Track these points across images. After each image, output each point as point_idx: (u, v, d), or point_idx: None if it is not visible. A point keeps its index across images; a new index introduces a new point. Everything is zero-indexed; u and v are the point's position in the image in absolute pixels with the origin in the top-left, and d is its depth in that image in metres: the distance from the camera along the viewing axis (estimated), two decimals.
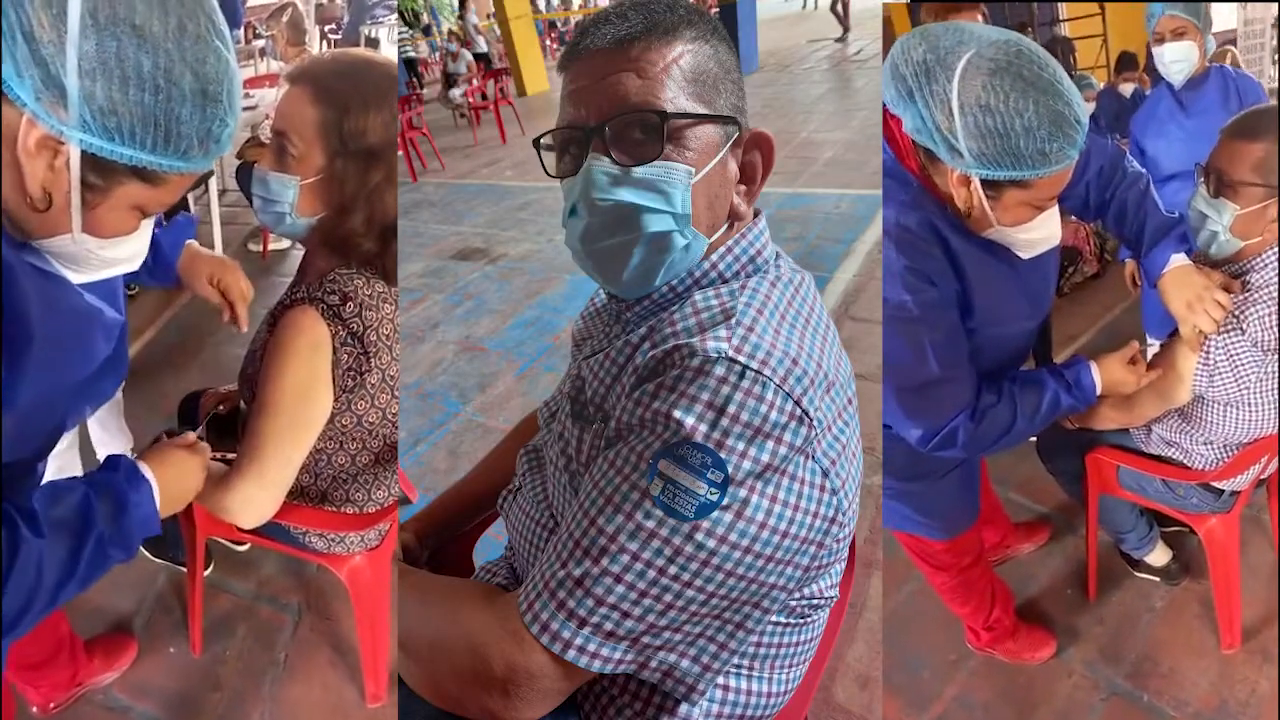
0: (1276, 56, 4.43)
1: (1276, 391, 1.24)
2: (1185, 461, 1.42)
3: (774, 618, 0.74)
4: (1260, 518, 1.84)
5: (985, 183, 0.98)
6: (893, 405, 1.13)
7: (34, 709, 1.58)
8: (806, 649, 0.80)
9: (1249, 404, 1.26)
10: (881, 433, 1.31)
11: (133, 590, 1.90)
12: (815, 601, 0.76)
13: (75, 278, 0.85)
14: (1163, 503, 1.52)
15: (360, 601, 1.46)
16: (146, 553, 1.94)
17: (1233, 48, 3.83)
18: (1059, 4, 4.26)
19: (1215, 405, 1.30)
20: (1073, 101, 0.93)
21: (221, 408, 1.53)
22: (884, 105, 1.06)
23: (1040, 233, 1.07)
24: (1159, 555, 1.74)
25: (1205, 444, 1.38)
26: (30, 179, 0.72)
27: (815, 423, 0.64)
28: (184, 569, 1.75)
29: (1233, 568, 1.51)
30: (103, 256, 0.82)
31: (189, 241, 1.31)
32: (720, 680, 0.74)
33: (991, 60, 0.92)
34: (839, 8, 11.29)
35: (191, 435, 1.05)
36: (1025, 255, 1.10)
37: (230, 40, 0.77)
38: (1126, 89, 3.35)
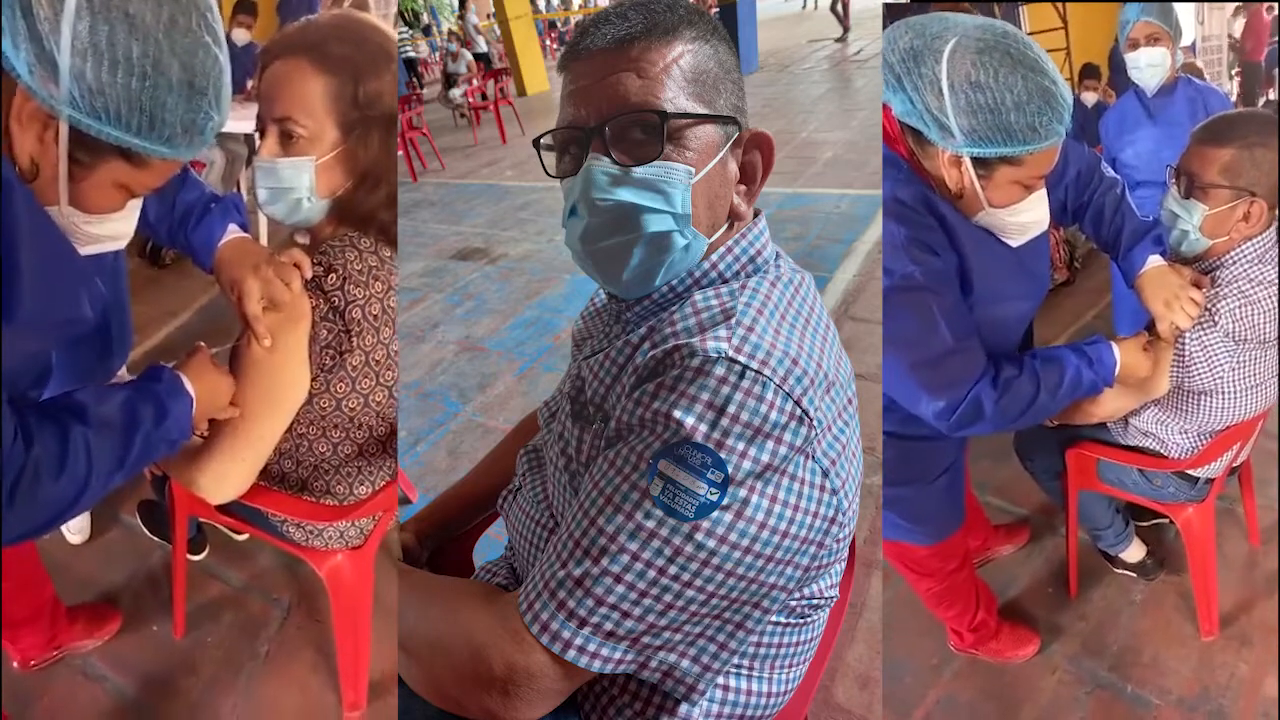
0: (1233, 72, 4.58)
1: (1247, 380, 1.31)
2: (1162, 451, 1.47)
3: (774, 618, 0.74)
4: (1234, 510, 1.88)
5: (976, 162, 1.00)
6: (908, 384, 1.11)
7: (14, 664, 1.61)
8: (806, 649, 0.80)
9: (1223, 392, 1.33)
10: (881, 433, 1.31)
11: (125, 564, 1.91)
12: (815, 601, 0.76)
13: None
14: (1141, 494, 1.56)
15: (340, 602, 1.41)
16: (145, 530, 1.95)
17: (1194, 59, 3.93)
18: (1021, 11, 4.35)
19: (1191, 395, 1.36)
20: (1057, 79, 0.96)
21: None
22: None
23: (1030, 215, 1.08)
24: (1134, 551, 1.78)
25: (1181, 433, 1.43)
26: (19, 149, 0.75)
27: (815, 423, 0.64)
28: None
29: (1209, 556, 1.56)
30: (89, 232, 0.85)
31: (239, 235, 1.15)
32: (720, 680, 0.74)
33: (979, 40, 0.95)
34: (839, 8, 11.30)
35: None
36: (1015, 241, 1.11)
37: (220, 37, 0.80)
38: (1089, 98, 3.36)
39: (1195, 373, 1.30)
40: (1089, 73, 3.41)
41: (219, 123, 0.82)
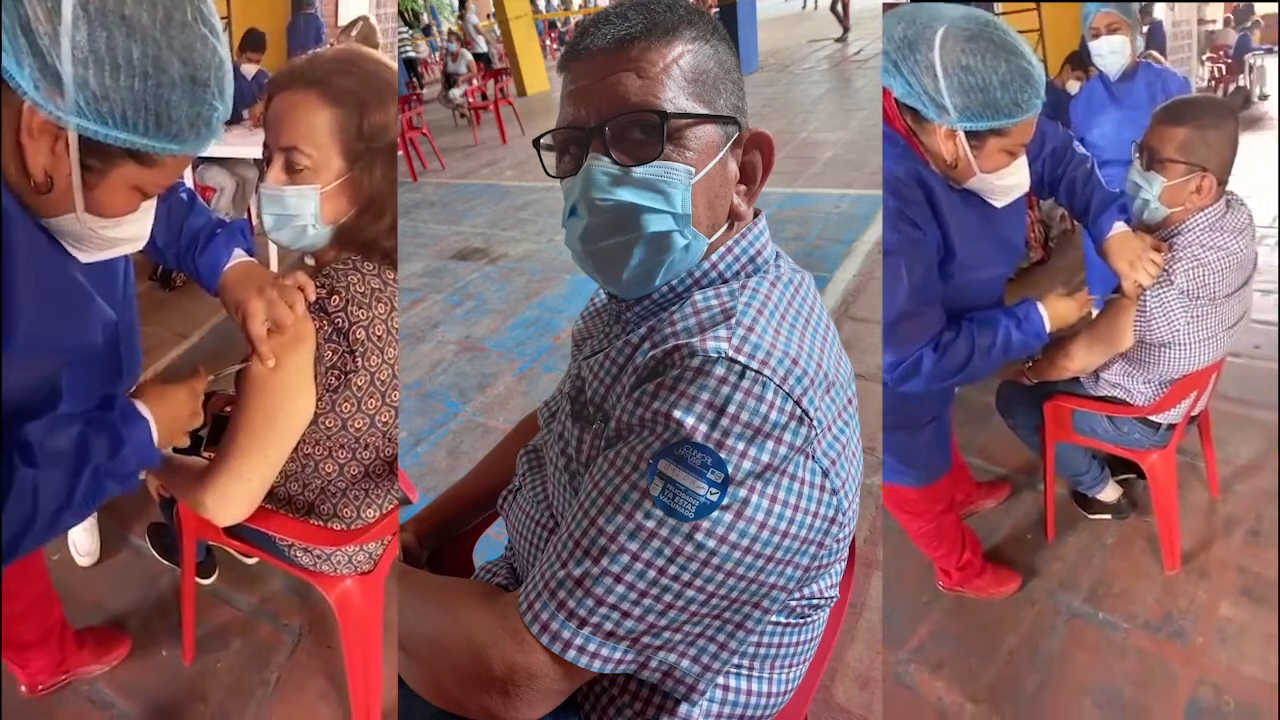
0: (1204, 57, 4.70)
1: (1200, 333, 1.48)
2: (1128, 400, 1.65)
3: (774, 618, 0.74)
4: (1195, 464, 2.05)
5: (969, 134, 1.15)
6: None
7: (21, 689, 1.60)
8: (806, 649, 0.80)
9: (1180, 344, 1.50)
10: (882, 422, 1.39)
11: (135, 589, 1.89)
12: (815, 601, 0.76)
13: (82, 256, 0.90)
14: (1110, 442, 1.73)
15: (349, 629, 1.39)
16: (155, 554, 1.94)
17: (1154, 53, 4.02)
18: (995, 3, 4.45)
19: (1152, 347, 1.53)
20: (1033, 60, 1.11)
21: (228, 409, 1.51)
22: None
23: (1014, 179, 1.23)
24: (1110, 493, 1.95)
25: (1145, 383, 1.61)
26: (33, 163, 0.76)
27: (815, 423, 0.64)
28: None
29: (1172, 497, 1.74)
30: (105, 236, 0.86)
31: (244, 260, 1.17)
32: (720, 680, 0.74)
33: (965, 29, 1.10)
34: (839, 8, 11.31)
35: (195, 369, 1.07)
36: (1000, 202, 1.26)
37: (217, 28, 0.80)
38: (1074, 86, 3.38)
39: (1155, 327, 1.47)
40: (1075, 62, 3.44)
41: (223, 113, 0.83)
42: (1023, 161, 1.22)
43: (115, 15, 0.72)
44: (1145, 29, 4.06)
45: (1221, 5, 4.93)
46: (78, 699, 1.62)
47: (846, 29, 11.16)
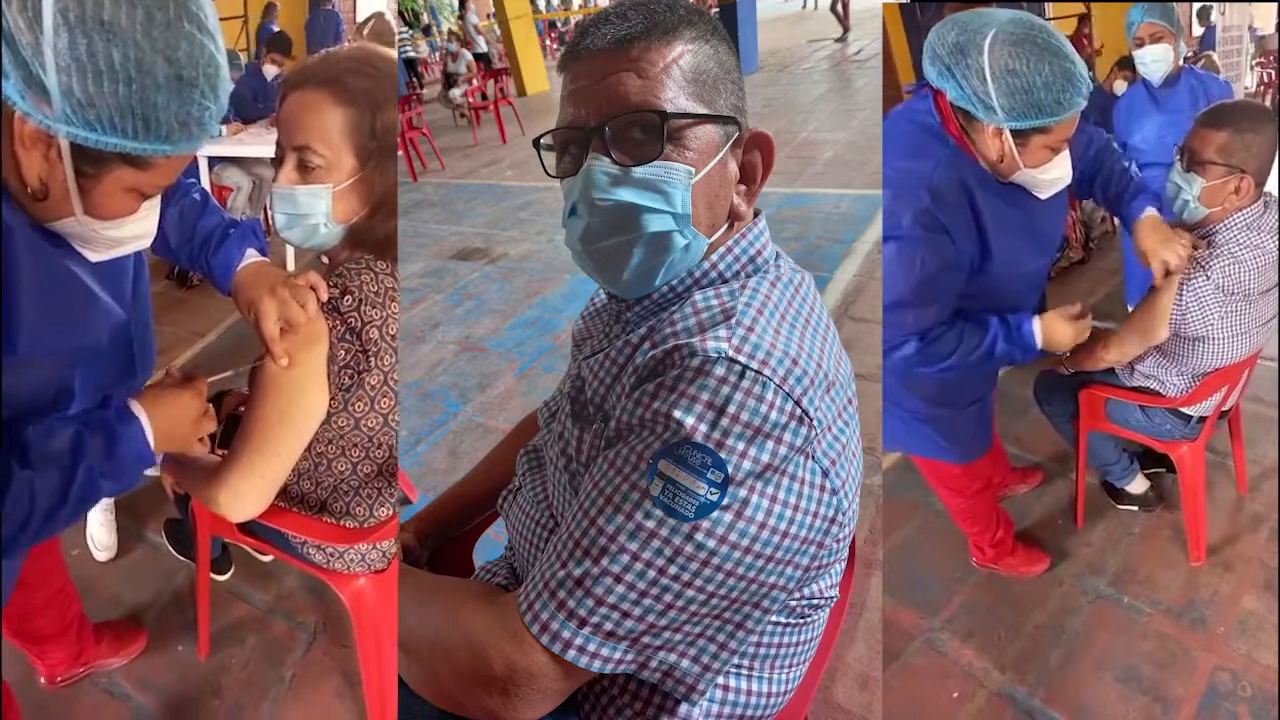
0: (1253, 63, 4.72)
1: (1234, 328, 1.54)
2: (1161, 391, 1.71)
3: (774, 618, 0.74)
4: (1225, 463, 2.10)
5: (1015, 133, 1.21)
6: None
7: (41, 680, 1.62)
8: (806, 649, 0.80)
9: (1213, 338, 1.56)
10: (928, 398, 1.49)
11: (151, 584, 1.91)
12: (815, 601, 0.76)
13: (91, 256, 0.90)
14: (1143, 432, 1.79)
15: (363, 628, 1.39)
16: (171, 549, 1.95)
17: (1212, 53, 4.03)
18: (1046, 4, 4.47)
19: (1186, 341, 1.59)
20: (1076, 61, 1.16)
21: (242, 409, 1.51)
22: (918, 83, 1.31)
23: (1057, 173, 1.29)
24: (1138, 485, 2.02)
25: (1178, 375, 1.67)
26: (27, 171, 0.76)
27: (815, 423, 0.64)
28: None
29: (1200, 489, 1.79)
30: (109, 236, 0.86)
31: (257, 260, 1.17)
32: (720, 680, 0.74)
33: (1012, 34, 1.16)
34: (839, 8, 11.29)
35: (192, 375, 1.06)
36: (1044, 195, 1.32)
37: (207, 23, 0.79)
38: (1120, 87, 3.40)
39: (1190, 320, 1.52)
40: (1124, 63, 3.47)
41: (218, 111, 0.82)
42: (1065, 156, 1.28)
43: (95, 21, 0.71)
44: (1200, 33, 4.11)
45: (1274, 10, 4.90)
46: (95, 691, 1.64)
47: (846, 29, 11.15)
